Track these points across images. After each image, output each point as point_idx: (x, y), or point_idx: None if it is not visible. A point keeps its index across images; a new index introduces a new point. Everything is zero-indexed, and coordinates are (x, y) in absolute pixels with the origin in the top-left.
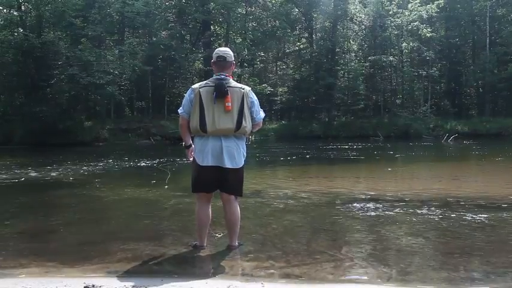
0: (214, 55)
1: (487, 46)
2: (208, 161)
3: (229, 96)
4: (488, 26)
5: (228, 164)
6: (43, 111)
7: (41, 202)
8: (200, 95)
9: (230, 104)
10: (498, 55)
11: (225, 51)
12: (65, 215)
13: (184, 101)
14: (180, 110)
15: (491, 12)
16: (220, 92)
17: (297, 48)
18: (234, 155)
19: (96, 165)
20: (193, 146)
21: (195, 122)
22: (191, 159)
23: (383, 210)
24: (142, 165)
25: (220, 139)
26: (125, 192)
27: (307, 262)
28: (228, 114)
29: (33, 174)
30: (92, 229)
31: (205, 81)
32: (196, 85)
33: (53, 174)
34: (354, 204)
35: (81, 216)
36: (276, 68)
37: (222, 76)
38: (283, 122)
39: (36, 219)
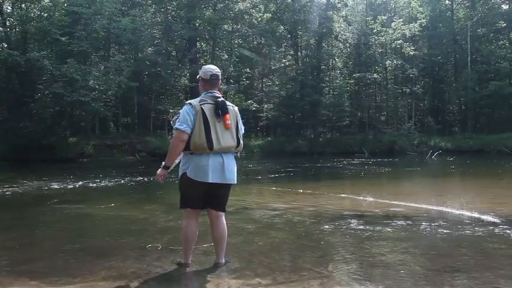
0: (207, 73)
1: (469, 64)
2: (207, 177)
3: (228, 114)
4: (469, 45)
5: (230, 180)
6: (27, 126)
7: (23, 219)
8: (203, 112)
9: (230, 122)
10: (479, 73)
11: (217, 69)
12: (47, 232)
13: (184, 116)
14: (181, 126)
15: (472, 32)
16: (224, 110)
17: (282, 65)
18: (234, 170)
19: (80, 181)
20: (167, 172)
21: (200, 140)
22: (160, 181)
23: (369, 227)
24: (127, 181)
25: (221, 156)
26: (108, 209)
27: (294, 279)
28: (228, 131)
29: (15, 190)
30: (76, 246)
31: (199, 98)
32: (194, 101)
33: (36, 190)
34: (340, 221)
35: (64, 233)
36: (262, 84)
37: (216, 94)
38: (268, 138)
39: (17, 236)
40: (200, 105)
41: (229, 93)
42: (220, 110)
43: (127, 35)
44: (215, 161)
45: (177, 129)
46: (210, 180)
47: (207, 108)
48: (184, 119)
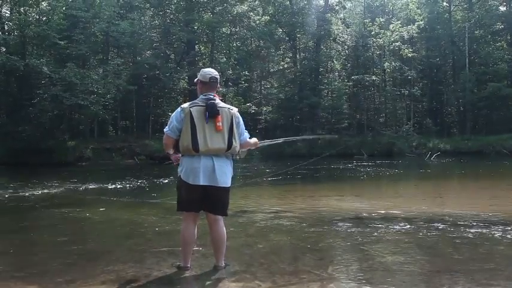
0: (206, 75)
1: (467, 66)
2: (199, 180)
3: (220, 116)
4: (467, 47)
5: (221, 183)
6: (25, 130)
7: (21, 223)
8: (191, 115)
9: (221, 124)
10: (477, 75)
11: (216, 72)
12: (45, 236)
13: (171, 120)
14: (165, 129)
15: (470, 33)
16: (213, 111)
17: (281, 67)
18: (226, 173)
19: (79, 185)
20: (179, 155)
21: (186, 142)
22: (176, 162)
23: (368, 229)
24: (125, 185)
25: (211, 158)
26: (107, 213)
27: (294, 282)
28: (219, 133)
29: (12, 194)
30: (75, 250)
31: (192, 102)
32: (185, 105)
33: (34, 194)
34: (340, 223)
35: (63, 237)
36: (261, 87)
37: (211, 96)
38: None
39: (16, 241)
40: (189, 107)
41: (227, 95)
42: (208, 112)
43: (125, 39)
44: (206, 164)
45: (164, 132)
46: (198, 183)
47: (195, 111)
48: (170, 121)
